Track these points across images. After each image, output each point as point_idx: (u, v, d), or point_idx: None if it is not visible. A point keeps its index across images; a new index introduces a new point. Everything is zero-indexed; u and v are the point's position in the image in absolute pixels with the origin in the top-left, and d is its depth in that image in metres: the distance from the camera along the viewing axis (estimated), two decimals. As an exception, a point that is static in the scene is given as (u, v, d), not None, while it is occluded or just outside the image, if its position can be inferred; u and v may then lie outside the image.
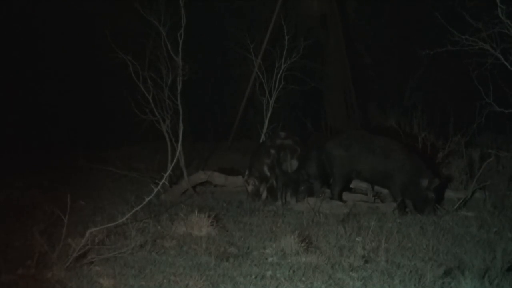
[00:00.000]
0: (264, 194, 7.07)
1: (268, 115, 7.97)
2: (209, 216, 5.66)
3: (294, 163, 6.88)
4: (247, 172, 6.96)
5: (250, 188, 6.97)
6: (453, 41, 6.72)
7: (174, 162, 5.53)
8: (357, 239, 5.43)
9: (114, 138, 9.70)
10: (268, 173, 7.00)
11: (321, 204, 6.53)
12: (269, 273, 4.60)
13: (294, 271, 4.62)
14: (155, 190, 5.03)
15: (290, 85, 8.40)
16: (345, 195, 6.98)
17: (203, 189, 7.51)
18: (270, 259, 4.93)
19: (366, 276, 4.50)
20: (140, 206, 5.19)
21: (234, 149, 9.81)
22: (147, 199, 5.10)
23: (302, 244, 5.06)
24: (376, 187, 6.98)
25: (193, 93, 9.35)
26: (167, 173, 5.52)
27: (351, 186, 7.22)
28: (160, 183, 5.15)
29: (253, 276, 4.52)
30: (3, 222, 5.84)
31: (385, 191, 7.02)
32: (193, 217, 5.65)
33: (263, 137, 7.91)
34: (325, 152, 6.88)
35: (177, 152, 6.09)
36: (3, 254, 4.90)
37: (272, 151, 7.03)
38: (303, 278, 4.51)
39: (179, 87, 7.21)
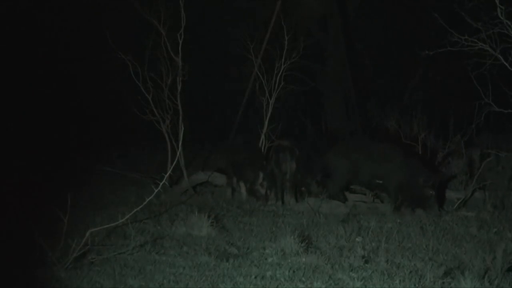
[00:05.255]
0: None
1: (268, 115, 7.96)
2: (209, 216, 5.67)
3: (293, 165, 6.88)
4: (261, 176, 6.92)
5: (263, 191, 6.95)
6: (452, 41, 6.72)
7: (174, 163, 5.53)
8: (357, 239, 5.44)
9: (114, 138, 9.69)
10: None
11: (321, 204, 6.54)
12: (269, 273, 4.60)
13: (294, 271, 4.62)
14: (155, 190, 5.03)
15: (290, 85, 8.39)
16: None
17: (203, 189, 7.51)
18: (270, 259, 4.92)
19: (366, 276, 4.50)
20: (140, 206, 5.19)
21: (234, 149, 9.79)
22: (147, 200, 5.10)
23: (302, 244, 5.06)
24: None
25: (193, 93, 9.34)
26: (167, 173, 5.52)
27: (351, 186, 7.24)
28: (161, 184, 5.14)
29: (253, 276, 4.52)
30: (3, 222, 5.84)
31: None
32: (193, 217, 5.66)
33: (262, 137, 7.90)
34: (326, 158, 6.93)
35: (177, 153, 6.09)
36: (3, 254, 4.90)
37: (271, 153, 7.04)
38: (303, 278, 4.50)
39: (179, 87, 7.22)
